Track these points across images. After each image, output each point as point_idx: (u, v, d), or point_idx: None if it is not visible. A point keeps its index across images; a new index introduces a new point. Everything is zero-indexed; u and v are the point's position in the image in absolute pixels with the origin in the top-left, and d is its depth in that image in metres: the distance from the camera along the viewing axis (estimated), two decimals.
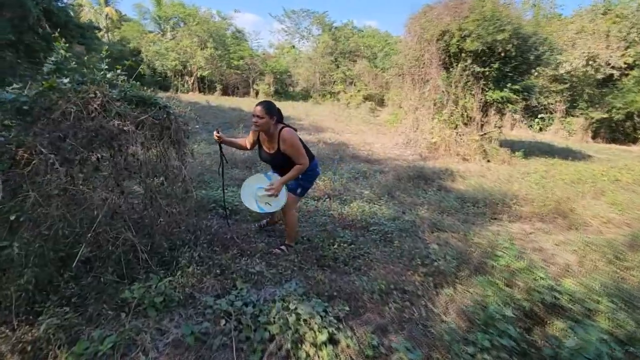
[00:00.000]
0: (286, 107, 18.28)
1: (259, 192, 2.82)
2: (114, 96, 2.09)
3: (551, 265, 3.14)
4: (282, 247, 3.04)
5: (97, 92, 2.04)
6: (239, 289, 2.36)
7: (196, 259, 2.51)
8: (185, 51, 25.00)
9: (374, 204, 4.49)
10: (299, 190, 3.00)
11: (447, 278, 2.66)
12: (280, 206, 2.87)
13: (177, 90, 25.48)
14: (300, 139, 2.85)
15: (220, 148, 2.93)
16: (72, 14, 17.00)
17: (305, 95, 27.13)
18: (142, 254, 2.20)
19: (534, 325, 2.13)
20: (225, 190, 4.25)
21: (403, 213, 4.29)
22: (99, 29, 15.49)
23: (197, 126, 2.71)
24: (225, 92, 26.44)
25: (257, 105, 2.66)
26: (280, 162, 2.84)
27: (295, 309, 2.06)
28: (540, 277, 2.31)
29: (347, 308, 2.23)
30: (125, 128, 2.01)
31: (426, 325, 2.19)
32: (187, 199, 2.70)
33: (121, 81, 2.26)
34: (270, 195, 2.77)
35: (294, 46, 33.82)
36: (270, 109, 2.66)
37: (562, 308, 2.25)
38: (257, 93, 25.78)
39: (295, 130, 2.87)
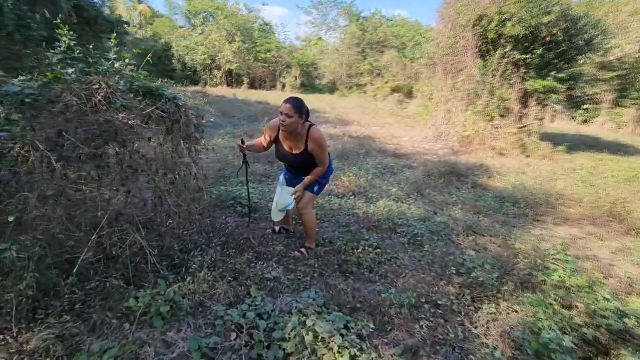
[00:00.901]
0: (311, 100, 18.05)
1: (280, 207, 2.70)
2: (120, 87, 1.93)
3: (610, 278, 2.72)
4: (302, 249, 2.83)
5: (102, 83, 1.88)
6: (253, 297, 2.17)
7: (208, 262, 2.34)
8: (214, 45, 25.28)
9: (402, 202, 4.18)
10: (315, 188, 2.76)
11: (487, 292, 2.35)
12: (292, 201, 2.67)
13: (206, 84, 25.90)
14: None
15: (245, 156, 2.78)
16: (107, 11, 17.52)
17: (331, 88, 26.72)
18: (151, 257, 2.05)
19: (596, 356, 1.79)
20: (245, 189, 4.09)
21: (434, 213, 3.95)
22: (129, 24, 15.79)
23: (212, 120, 2.52)
24: (252, 85, 26.55)
25: (285, 102, 2.40)
26: (302, 163, 2.62)
27: (313, 325, 1.84)
28: (605, 298, 1.95)
29: (372, 325, 1.98)
30: (130, 122, 1.84)
31: (464, 348, 1.91)
32: (200, 199, 2.54)
33: (129, 71, 2.09)
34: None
35: (320, 38, 33.38)
36: (300, 107, 2.41)
37: (630, 335, 1.88)
38: (283, 86, 25.67)
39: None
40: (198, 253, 2.39)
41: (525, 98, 8.16)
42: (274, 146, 2.70)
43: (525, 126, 8.13)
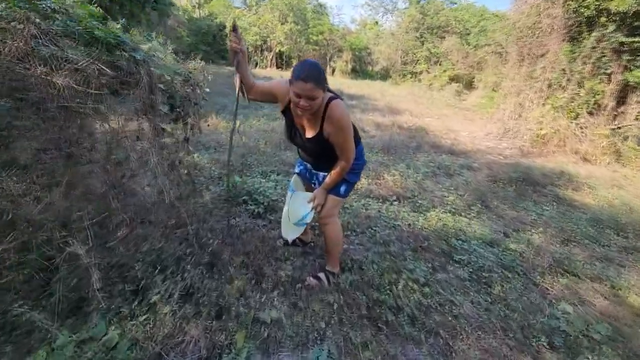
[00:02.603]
0: (361, 86, 17.02)
1: (293, 220, 1.89)
2: (54, 29, 1.27)
3: None
4: (321, 274, 2.08)
5: (26, 20, 1.23)
6: (237, 351, 1.48)
7: (182, 289, 1.67)
8: (267, 26, 24.95)
9: (461, 215, 3.26)
10: (342, 189, 1.95)
11: None
12: (310, 210, 1.90)
13: (256, 65, 25.80)
14: None
15: (237, 62, 1.63)
16: None
17: (384, 75, 25.28)
18: (96, 280, 1.42)
19: None
20: (264, 180, 3.41)
21: (505, 236, 2.99)
22: None
23: (207, 90, 1.83)
24: None
25: (302, 79, 1.52)
26: (318, 153, 1.84)
27: None
28: None
29: None
30: (57, 81, 1.18)
31: None
32: (188, 196, 1.88)
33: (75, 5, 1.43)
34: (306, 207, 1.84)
35: (377, 22, 31.73)
36: (322, 79, 1.55)
37: None
38: (333, 70, 24.75)
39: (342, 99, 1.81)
40: (170, 274, 1.72)
41: (623, 92, 6.59)
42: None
43: (620, 127, 6.58)
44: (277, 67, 25.49)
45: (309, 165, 2.05)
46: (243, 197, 2.94)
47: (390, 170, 4.20)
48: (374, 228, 2.81)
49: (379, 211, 3.15)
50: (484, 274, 2.30)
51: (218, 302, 1.67)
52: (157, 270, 1.69)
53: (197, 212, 2.10)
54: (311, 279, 2.06)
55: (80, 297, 1.48)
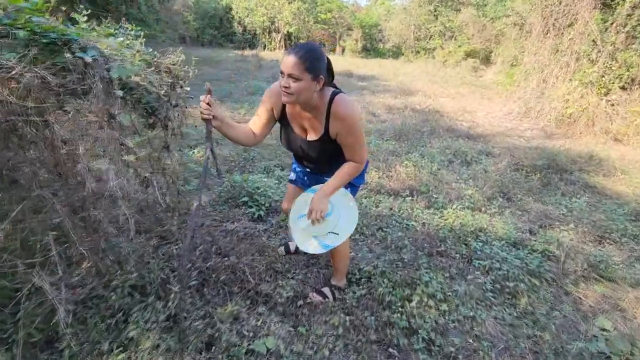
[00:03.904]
0: (372, 65, 16.40)
1: (301, 224, 1.61)
2: None
3: None
4: (325, 289, 1.88)
5: None
6: None
7: (163, 319, 1.48)
8: (273, 6, 24.21)
9: (481, 211, 2.98)
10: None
11: None
12: (351, 229, 1.63)
13: (264, 48, 25.25)
14: None
15: (209, 133, 1.40)
16: None
17: (396, 52, 24.35)
18: (61, 319, 1.24)
19: None
20: (266, 178, 3.19)
21: (530, 233, 2.71)
22: None
23: (188, 88, 1.59)
24: None
25: (289, 53, 1.32)
26: (323, 157, 1.60)
27: None
28: None
29: None
30: None
31: None
32: (175, 208, 1.68)
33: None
34: (317, 221, 1.57)
35: None
36: (314, 61, 1.32)
37: None
38: (343, 50, 23.99)
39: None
40: (152, 301, 1.54)
41: None
42: (277, 128, 1.68)
43: None
44: (286, 49, 24.88)
45: (307, 169, 1.82)
46: (243, 199, 2.74)
47: (403, 160, 3.91)
48: (385, 230, 2.57)
49: (391, 209, 2.90)
50: (508, 283, 2.06)
51: (207, 330, 1.49)
52: (135, 299, 1.51)
53: (186, 223, 1.90)
54: (314, 294, 1.86)
55: (51, 334, 1.33)
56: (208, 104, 1.33)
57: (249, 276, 1.82)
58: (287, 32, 24.96)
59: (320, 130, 1.50)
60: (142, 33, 1.63)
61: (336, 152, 1.54)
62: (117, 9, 6.93)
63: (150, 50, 1.70)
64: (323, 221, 1.55)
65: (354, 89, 9.47)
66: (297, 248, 2.21)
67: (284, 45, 25.12)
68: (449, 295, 1.90)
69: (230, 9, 25.44)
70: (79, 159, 1.06)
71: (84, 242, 1.20)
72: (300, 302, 1.81)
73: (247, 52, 19.17)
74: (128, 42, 1.64)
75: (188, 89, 1.63)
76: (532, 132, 6.31)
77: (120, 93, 1.10)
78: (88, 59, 1.07)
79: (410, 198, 3.10)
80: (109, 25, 1.71)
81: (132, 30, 1.70)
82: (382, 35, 26.15)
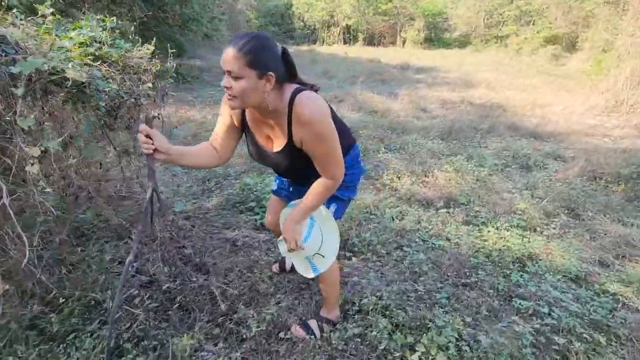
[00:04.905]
0: (434, 56, 15.32)
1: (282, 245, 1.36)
2: None
3: None
4: (312, 322, 1.57)
5: None
6: None
7: (106, 350, 1.30)
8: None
9: (535, 231, 2.40)
10: (332, 208, 1.42)
11: None
12: (334, 251, 1.38)
13: (322, 42, 25.19)
14: (333, 114, 1.23)
15: (150, 169, 1.17)
16: None
17: (463, 42, 22.49)
18: None
19: None
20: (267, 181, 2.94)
21: (600, 266, 2.09)
22: None
23: (149, 85, 1.38)
24: (370, 42, 24.58)
25: (227, 46, 1.04)
26: (296, 168, 1.28)
27: None
28: None
29: None
30: None
31: None
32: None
33: None
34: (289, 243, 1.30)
35: None
36: (256, 54, 1.02)
37: None
38: (403, 42, 22.86)
39: (317, 91, 1.21)
40: (96, 329, 1.36)
41: None
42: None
43: None
44: (345, 43, 24.50)
45: (287, 181, 1.53)
46: (250, 204, 2.53)
47: (443, 164, 3.39)
48: (406, 249, 2.16)
49: (418, 222, 2.47)
50: (557, 337, 1.54)
51: None
52: (74, 329, 1.35)
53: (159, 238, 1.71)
54: (298, 328, 1.56)
55: None
56: (147, 136, 1.07)
57: (219, 300, 1.57)
58: (346, 25, 24.57)
59: (284, 137, 1.20)
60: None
61: (306, 165, 1.22)
62: (172, 8, 7.18)
63: (128, 45, 1.54)
64: (301, 248, 1.27)
65: (407, 82, 8.82)
66: (293, 266, 1.93)
67: (342, 40, 24.79)
68: (468, 349, 1.45)
69: (291, 5, 25.84)
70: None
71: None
72: (282, 335, 1.52)
73: (304, 47, 19.19)
74: (93, 33, 1.48)
75: (149, 85, 1.42)
76: (622, 130, 5.20)
77: (19, 92, 0.91)
78: (16, 71, 0.89)
79: (444, 210, 2.62)
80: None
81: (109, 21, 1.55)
82: (448, 24, 24.40)
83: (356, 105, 5.91)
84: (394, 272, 1.95)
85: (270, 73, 1.06)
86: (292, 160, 1.23)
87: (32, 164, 0.94)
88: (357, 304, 1.69)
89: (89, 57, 1.40)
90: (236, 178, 3.05)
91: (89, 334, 1.32)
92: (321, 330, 1.56)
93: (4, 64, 0.93)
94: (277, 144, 1.24)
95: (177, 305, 1.53)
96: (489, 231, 2.32)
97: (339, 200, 1.43)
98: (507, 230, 2.33)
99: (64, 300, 1.38)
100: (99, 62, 1.41)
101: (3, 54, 0.94)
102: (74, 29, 1.51)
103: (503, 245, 2.18)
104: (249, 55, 1.02)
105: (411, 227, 2.39)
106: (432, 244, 2.22)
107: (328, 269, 1.42)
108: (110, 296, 1.47)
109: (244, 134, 1.34)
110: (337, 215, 1.47)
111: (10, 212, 0.89)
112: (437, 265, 2.00)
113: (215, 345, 1.42)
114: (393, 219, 2.49)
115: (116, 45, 1.54)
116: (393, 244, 2.21)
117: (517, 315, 1.68)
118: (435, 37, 23.98)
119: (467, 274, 1.93)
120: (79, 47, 1.40)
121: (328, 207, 1.41)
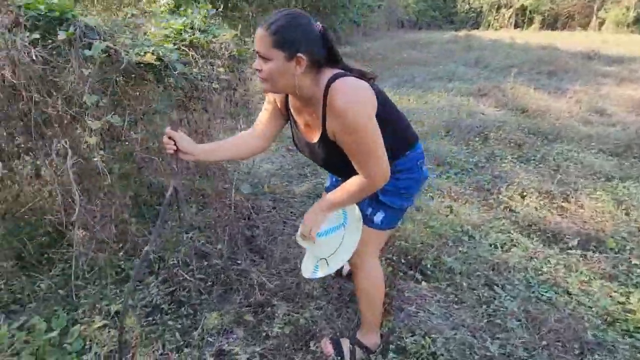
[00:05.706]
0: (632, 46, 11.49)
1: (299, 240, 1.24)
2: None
3: None
4: (344, 342, 1.39)
5: None
6: None
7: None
8: None
9: None
10: (379, 217, 1.20)
11: None
12: (342, 260, 1.19)
13: (488, 27, 22.41)
14: (387, 104, 1.05)
15: (174, 169, 1.13)
16: None
17: None
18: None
19: None
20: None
21: None
22: None
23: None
24: (551, 25, 20.46)
25: (260, 26, 0.93)
26: (334, 163, 1.12)
27: None
28: None
29: None
30: None
31: None
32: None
33: None
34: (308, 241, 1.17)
35: None
36: (285, 34, 0.89)
37: None
38: (600, 24, 18.07)
39: (372, 79, 0.99)
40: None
41: None
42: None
43: None
44: (515, 27, 21.09)
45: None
46: (268, 209, 2.44)
47: (600, 187, 2.50)
48: (497, 289, 1.70)
49: (530, 259, 1.90)
50: None
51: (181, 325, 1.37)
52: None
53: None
54: (328, 342, 1.41)
55: None
56: (170, 137, 1.07)
57: (257, 289, 1.55)
58: (522, 5, 21.05)
59: (319, 128, 1.04)
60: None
61: (343, 159, 1.04)
62: None
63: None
64: (313, 239, 1.13)
65: (587, 75, 6.95)
66: (349, 272, 1.76)
67: (513, 23, 21.44)
68: None
69: None
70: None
71: None
72: (313, 343, 1.41)
73: (462, 32, 17.32)
74: (190, 20, 1.61)
75: (221, 70, 1.46)
76: None
77: (86, 72, 1.04)
78: (62, 36, 1.05)
79: (578, 252, 1.94)
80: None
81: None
82: None
83: (502, 101, 4.99)
84: (468, 316, 1.55)
85: (300, 55, 0.91)
86: (327, 153, 1.09)
87: (91, 136, 1.08)
88: (403, 339, 1.42)
89: (183, 42, 1.53)
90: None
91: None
92: (352, 354, 1.37)
93: (81, 48, 1.08)
94: (316, 135, 1.09)
95: (220, 282, 1.59)
96: (634, 295, 1.59)
97: (388, 208, 1.19)
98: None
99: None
100: (187, 47, 1.53)
101: (84, 40, 1.10)
102: (181, 17, 1.68)
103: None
104: (275, 35, 0.90)
105: (516, 264, 1.86)
106: (540, 293, 1.67)
107: (370, 286, 1.27)
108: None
109: (288, 121, 1.24)
110: (386, 226, 1.23)
111: (70, 173, 1.06)
112: (534, 325, 1.49)
113: (236, 332, 1.42)
114: (495, 247, 1.99)
115: (208, 31, 1.64)
116: (482, 279, 1.76)
117: None
118: None
119: (578, 351, 1.37)
120: (177, 34, 1.55)
121: (375, 216, 1.19)
